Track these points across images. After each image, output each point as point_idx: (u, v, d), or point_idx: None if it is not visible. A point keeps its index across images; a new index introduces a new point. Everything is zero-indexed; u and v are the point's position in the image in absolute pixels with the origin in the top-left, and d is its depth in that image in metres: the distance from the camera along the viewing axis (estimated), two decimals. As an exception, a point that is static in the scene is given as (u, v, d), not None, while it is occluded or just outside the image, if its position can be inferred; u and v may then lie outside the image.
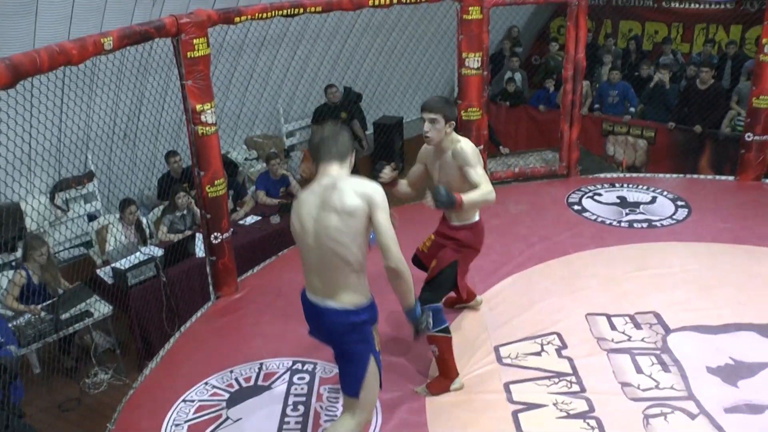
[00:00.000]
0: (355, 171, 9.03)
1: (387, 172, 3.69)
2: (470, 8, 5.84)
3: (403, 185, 3.85)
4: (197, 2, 6.35)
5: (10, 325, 4.70)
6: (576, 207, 6.08)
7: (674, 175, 6.94)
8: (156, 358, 4.40)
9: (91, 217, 6.55)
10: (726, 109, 7.65)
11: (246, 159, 8.05)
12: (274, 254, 5.71)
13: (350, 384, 3.01)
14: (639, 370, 3.87)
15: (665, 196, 6.23)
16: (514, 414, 3.59)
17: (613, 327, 4.28)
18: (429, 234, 4.11)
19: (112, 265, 5.34)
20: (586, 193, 6.40)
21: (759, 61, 6.19)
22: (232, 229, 5.04)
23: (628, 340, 4.15)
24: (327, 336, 3.03)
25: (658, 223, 5.69)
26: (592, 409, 3.59)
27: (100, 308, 5.14)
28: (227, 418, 3.72)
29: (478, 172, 3.57)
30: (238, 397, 3.88)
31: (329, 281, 2.88)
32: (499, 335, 4.25)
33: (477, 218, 3.85)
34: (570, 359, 3.99)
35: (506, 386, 3.80)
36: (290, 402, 3.81)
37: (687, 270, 4.90)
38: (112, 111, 6.50)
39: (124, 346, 5.44)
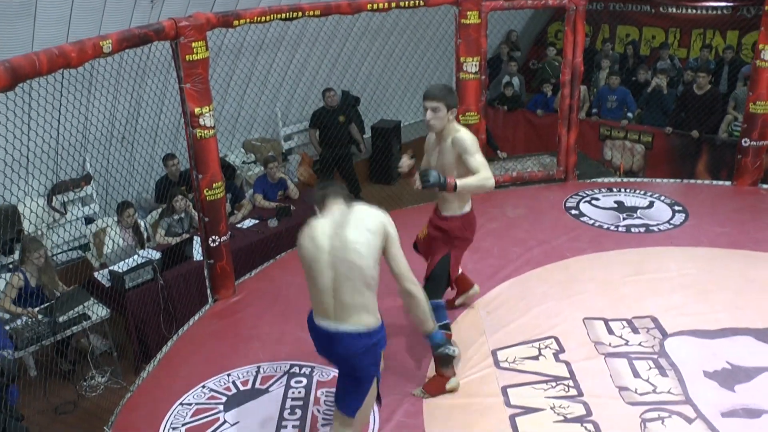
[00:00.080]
0: (353, 174, 9.00)
1: (405, 161, 3.75)
2: (468, 12, 5.86)
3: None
4: (196, 5, 6.37)
5: (7, 327, 4.69)
6: (573, 211, 6.09)
7: (671, 180, 6.96)
8: (153, 361, 4.39)
9: (89, 220, 6.55)
10: (723, 114, 7.68)
11: (244, 162, 8.05)
12: (271, 257, 5.71)
13: (349, 403, 3.03)
14: (636, 375, 3.87)
15: (662, 201, 6.24)
16: (512, 418, 3.59)
17: (610, 331, 4.28)
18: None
19: (110, 268, 5.33)
20: (583, 197, 6.41)
21: (755, 66, 6.21)
22: (229, 232, 5.03)
23: (626, 344, 4.15)
24: (340, 359, 3.01)
25: (655, 228, 5.70)
26: (589, 413, 3.59)
27: (98, 311, 5.14)
28: (224, 421, 3.71)
29: (477, 159, 3.60)
30: (236, 400, 3.87)
31: (343, 300, 2.87)
32: (497, 339, 4.25)
33: (467, 209, 3.89)
34: (567, 363, 4.00)
35: (504, 390, 3.80)
36: (288, 405, 3.80)
37: (684, 274, 4.91)
38: (111, 114, 6.49)
39: (121, 349, 5.43)
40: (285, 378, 4.03)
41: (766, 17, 6.01)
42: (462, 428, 3.58)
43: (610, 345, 4.15)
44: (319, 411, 3.74)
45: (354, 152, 8.33)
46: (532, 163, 7.20)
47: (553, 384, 3.82)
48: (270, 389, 3.94)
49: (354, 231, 2.88)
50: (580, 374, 3.89)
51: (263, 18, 4.82)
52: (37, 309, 4.94)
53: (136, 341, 5.32)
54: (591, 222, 5.86)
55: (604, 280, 4.90)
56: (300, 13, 5.00)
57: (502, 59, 9.95)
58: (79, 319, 5.00)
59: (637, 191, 6.51)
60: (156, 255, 5.46)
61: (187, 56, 4.36)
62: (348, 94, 8.80)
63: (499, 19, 9.57)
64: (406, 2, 5.59)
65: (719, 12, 9.92)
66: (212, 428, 3.66)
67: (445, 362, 3.61)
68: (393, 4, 5.49)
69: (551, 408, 3.64)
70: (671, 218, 5.88)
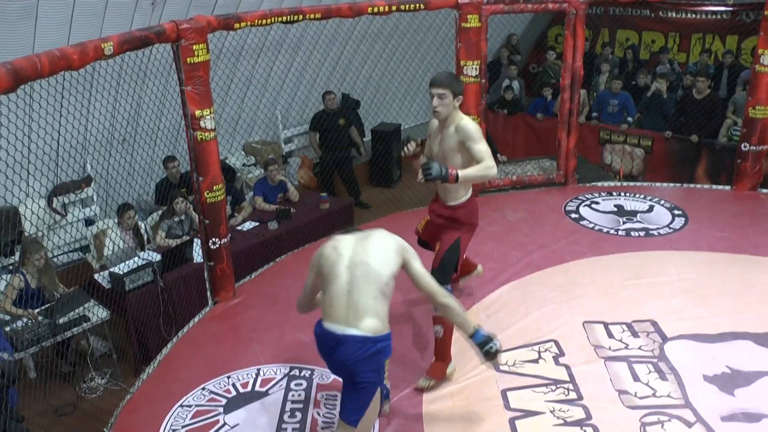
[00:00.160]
0: (353, 177, 9.01)
1: (411, 147, 3.80)
2: (469, 16, 5.87)
3: (423, 160, 3.92)
4: (197, 8, 6.37)
5: (7, 329, 4.69)
6: (573, 215, 6.10)
7: (671, 184, 6.97)
8: (153, 363, 4.39)
9: (89, 222, 6.54)
10: (722, 118, 7.70)
11: (244, 165, 8.05)
12: (271, 260, 5.71)
13: (351, 412, 3.04)
14: (636, 378, 3.88)
15: (662, 205, 6.25)
16: (511, 421, 3.59)
17: (610, 335, 4.29)
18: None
19: (110, 269, 5.33)
20: (583, 201, 6.42)
21: (755, 71, 6.23)
22: (230, 235, 5.04)
23: (626, 348, 4.16)
24: (341, 366, 3.02)
25: (655, 232, 5.71)
26: (589, 416, 3.60)
27: (98, 313, 5.13)
28: (224, 423, 3.71)
29: (481, 148, 3.64)
30: (236, 402, 3.87)
31: (358, 302, 2.93)
32: (497, 342, 4.25)
33: (469, 195, 3.94)
34: (567, 367, 4.00)
35: (503, 393, 3.80)
36: (287, 408, 3.80)
37: (684, 279, 4.91)
38: (111, 116, 6.50)
39: (121, 350, 5.43)
40: (285, 381, 4.03)
41: (766, 22, 6.03)
42: (462, 431, 3.58)
43: (609, 348, 4.15)
44: (319, 414, 3.74)
45: (354, 155, 8.35)
46: (532, 167, 7.21)
47: (553, 387, 3.83)
48: (270, 392, 3.94)
49: (375, 243, 3.07)
50: (580, 378, 3.90)
51: (264, 21, 4.83)
52: (37, 310, 4.94)
53: (136, 343, 5.32)
54: (591, 226, 5.87)
55: (604, 283, 4.90)
56: (301, 16, 5.01)
57: (502, 63, 9.96)
58: (79, 321, 4.99)
59: (637, 195, 6.52)
60: (156, 257, 5.46)
61: (188, 59, 4.37)
62: (348, 97, 8.81)
63: (499, 22, 9.60)
64: (407, 5, 5.60)
65: (719, 16, 9.93)
66: (212, 430, 3.66)
67: (492, 357, 3.53)
68: (393, 8, 5.50)
69: (551, 411, 3.64)
70: (671, 222, 5.89)
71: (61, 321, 4.92)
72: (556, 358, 4.08)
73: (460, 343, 4.16)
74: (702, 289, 4.77)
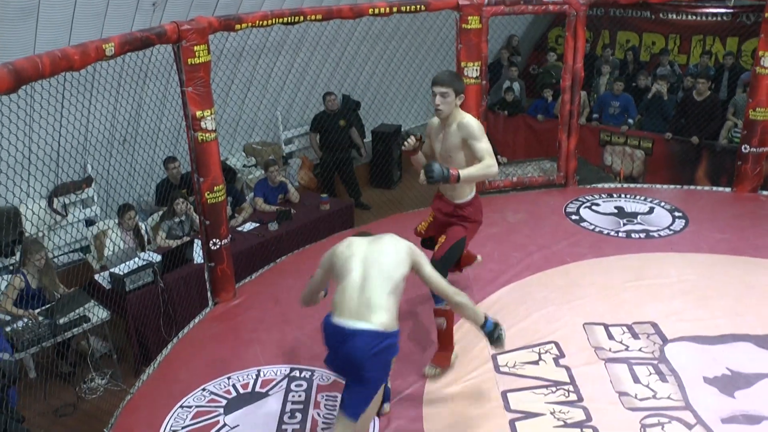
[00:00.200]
0: (354, 178, 9.00)
1: (411, 141, 3.83)
2: (469, 17, 5.88)
3: (421, 156, 3.96)
4: (198, 9, 6.37)
5: (7, 329, 4.69)
6: (574, 217, 6.10)
7: (671, 186, 6.97)
8: (153, 364, 4.39)
9: (89, 222, 6.55)
10: (723, 120, 7.70)
11: (244, 166, 8.05)
12: (272, 261, 5.71)
13: (354, 406, 3.04)
14: (636, 380, 3.88)
15: (663, 207, 6.25)
16: (512, 423, 3.59)
17: (610, 336, 4.29)
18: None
19: (110, 270, 5.34)
20: (583, 202, 6.42)
21: (755, 73, 6.23)
22: (230, 236, 5.04)
23: (626, 349, 4.16)
24: (348, 360, 3.00)
25: (655, 234, 5.71)
26: (589, 418, 3.59)
27: (98, 313, 5.13)
28: (224, 424, 3.71)
29: (482, 146, 3.65)
30: (236, 403, 3.87)
31: (370, 297, 2.96)
32: (497, 344, 4.25)
33: (474, 192, 3.98)
34: (567, 368, 4.00)
35: (504, 395, 3.80)
36: (288, 409, 3.80)
37: (684, 280, 4.91)
38: (112, 116, 6.50)
39: (121, 351, 5.43)
40: (285, 382, 4.03)
41: (766, 24, 6.04)
42: (462, 433, 3.58)
43: (610, 350, 4.15)
44: (319, 415, 3.74)
45: (354, 156, 8.35)
46: (533, 168, 7.21)
47: (553, 389, 3.83)
48: (270, 393, 3.94)
49: (388, 245, 3.15)
50: (580, 379, 3.90)
51: (265, 22, 4.84)
52: (37, 311, 4.94)
53: (136, 344, 5.32)
54: (591, 227, 5.87)
55: (605, 285, 4.90)
56: (301, 17, 5.01)
57: (502, 64, 9.97)
58: (80, 321, 4.99)
59: (637, 197, 6.52)
60: (156, 258, 5.46)
61: (188, 59, 4.37)
62: (349, 98, 8.81)
63: (499, 24, 9.61)
64: (408, 7, 5.61)
65: (719, 18, 9.94)
66: (212, 431, 3.66)
67: (500, 342, 3.53)
68: (394, 9, 5.50)
69: (551, 413, 3.64)
70: (671, 224, 5.89)
71: (61, 321, 4.92)
72: (556, 360, 4.08)
73: (460, 344, 4.19)
74: (702, 290, 4.77)
